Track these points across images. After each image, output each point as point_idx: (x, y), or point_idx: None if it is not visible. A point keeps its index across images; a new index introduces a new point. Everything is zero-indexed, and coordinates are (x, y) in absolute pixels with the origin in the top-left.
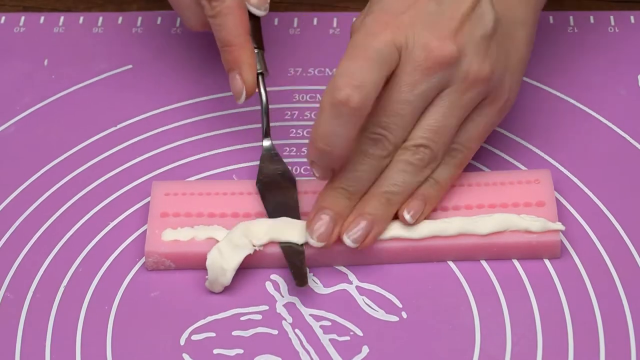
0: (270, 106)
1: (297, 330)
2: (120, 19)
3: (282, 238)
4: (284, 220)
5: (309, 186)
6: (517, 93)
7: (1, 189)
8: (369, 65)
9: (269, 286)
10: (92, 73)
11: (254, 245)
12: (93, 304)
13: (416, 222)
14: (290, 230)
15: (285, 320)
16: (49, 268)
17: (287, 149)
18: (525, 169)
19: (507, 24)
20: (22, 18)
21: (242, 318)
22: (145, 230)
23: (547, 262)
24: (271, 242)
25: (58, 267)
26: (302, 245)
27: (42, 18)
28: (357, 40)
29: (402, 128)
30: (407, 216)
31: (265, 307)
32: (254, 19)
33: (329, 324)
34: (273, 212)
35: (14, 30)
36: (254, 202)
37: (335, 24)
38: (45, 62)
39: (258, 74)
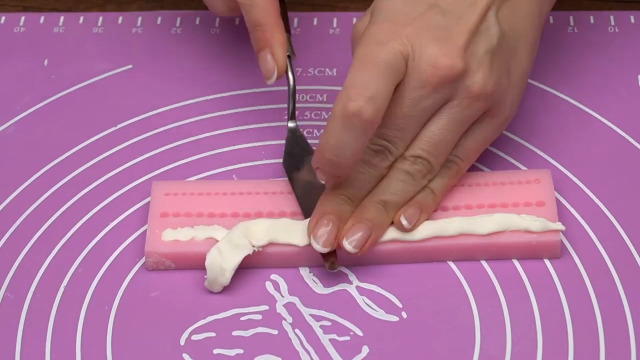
0: (269, 106)
1: (297, 330)
2: (120, 19)
3: (282, 239)
4: (284, 221)
5: None
6: (518, 107)
7: (1, 189)
8: (379, 76)
9: (269, 286)
10: (92, 73)
11: (253, 246)
12: (93, 304)
13: (412, 227)
14: (290, 231)
15: (285, 320)
16: (49, 268)
17: None
18: (525, 169)
19: (511, 38)
20: (22, 18)
21: (242, 318)
22: (145, 230)
23: (547, 262)
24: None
25: (58, 267)
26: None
27: (42, 18)
28: (365, 50)
29: (404, 141)
30: (404, 222)
31: (265, 307)
32: (280, 1)
33: (329, 324)
34: (301, 191)
35: (14, 30)
36: (254, 202)
37: (335, 24)
38: (45, 62)
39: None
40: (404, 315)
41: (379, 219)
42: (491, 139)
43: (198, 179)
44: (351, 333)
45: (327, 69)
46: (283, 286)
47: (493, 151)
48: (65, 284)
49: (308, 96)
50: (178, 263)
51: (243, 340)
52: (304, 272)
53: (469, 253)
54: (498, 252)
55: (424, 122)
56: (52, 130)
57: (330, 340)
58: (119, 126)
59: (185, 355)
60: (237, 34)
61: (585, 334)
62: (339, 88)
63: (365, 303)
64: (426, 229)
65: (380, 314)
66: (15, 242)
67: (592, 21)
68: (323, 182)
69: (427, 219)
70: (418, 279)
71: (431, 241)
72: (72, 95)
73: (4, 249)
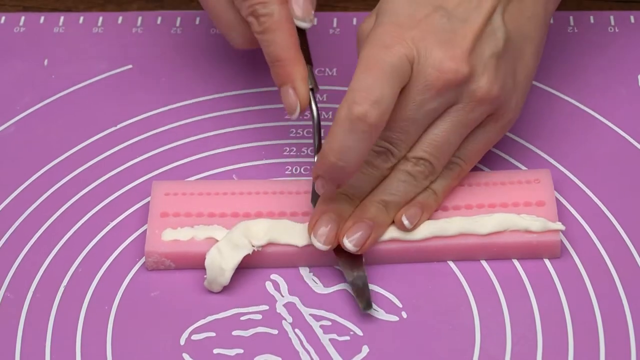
0: (269, 106)
1: (297, 330)
2: (120, 19)
3: (282, 239)
4: (284, 222)
5: (308, 187)
6: (521, 109)
7: (1, 189)
8: (385, 80)
9: (268, 286)
10: (92, 73)
11: (253, 246)
12: (93, 304)
13: (413, 227)
14: (289, 231)
15: (285, 320)
16: (49, 268)
17: (287, 148)
18: (525, 169)
19: (517, 40)
20: (22, 18)
21: (242, 318)
22: (145, 230)
23: (547, 262)
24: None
25: (58, 267)
26: (364, 271)
27: (42, 18)
28: (370, 53)
29: (407, 143)
30: (405, 222)
31: (265, 307)
32: (300, 32)
33: (329, 323)
34: None
35: (14, 30)
36: (254, 202)
37: (335, 24)
38: (45, 62)
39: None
40: (404, 315)
41: (379, 218)
42: (494, 141)
43: (198, 179)
44: (351, 333)
45: (327, 69)
46: (283, 286)
47: (493, 151)
48: (65, 284)
49: None
50: (178, 263)
51: (243, 340)
52: (304, 272)
53: (469, 253)
54: (498, 252)
55: (427, 124)
56: (52, 130)
57: (330, 340)
58: (119, 126)
59: (185, 355)
60: None
61: (585, 334)
62: (339, 88)
63: None
64: (426, 229)
65: (380, 314)
66: (15, 242)
67: (592, 21)
68: (319, 192)
69: (428, 218)
70: (418, 279)
71: (431, 241)
72: (72, 95)
73: (4, 249)
